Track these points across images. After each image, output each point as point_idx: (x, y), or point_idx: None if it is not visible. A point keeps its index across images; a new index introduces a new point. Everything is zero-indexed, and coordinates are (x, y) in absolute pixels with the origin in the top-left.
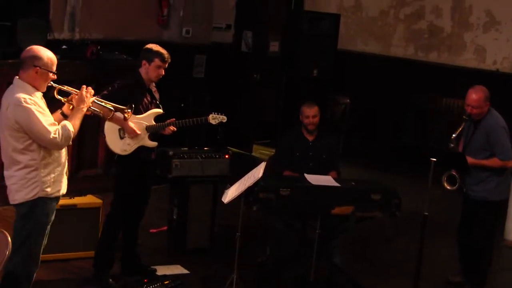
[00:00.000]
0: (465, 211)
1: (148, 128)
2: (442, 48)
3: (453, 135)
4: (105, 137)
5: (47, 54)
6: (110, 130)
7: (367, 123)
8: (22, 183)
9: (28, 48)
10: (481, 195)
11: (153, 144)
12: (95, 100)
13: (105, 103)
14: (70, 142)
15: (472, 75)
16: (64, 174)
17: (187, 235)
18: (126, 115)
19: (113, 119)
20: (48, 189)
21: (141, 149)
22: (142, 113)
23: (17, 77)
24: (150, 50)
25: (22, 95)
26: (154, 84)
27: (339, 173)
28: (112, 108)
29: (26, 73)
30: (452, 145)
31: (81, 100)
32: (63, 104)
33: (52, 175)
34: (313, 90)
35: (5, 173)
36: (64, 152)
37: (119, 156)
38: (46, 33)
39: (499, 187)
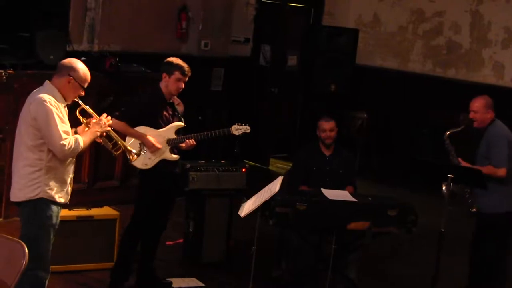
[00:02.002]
0: (477, 226)
1: (169, 142)
2: (460, 64)
3: (446, 133)
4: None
5: (83, 69)
6: (131, 145)
7: (384, 139)
8: (24, 182)
9: (70, 58)
10: (487, 206)
11: (175, 157)
12: (110, 132)
13: (118, 139)
14: (74, 158)
15: (490, 92)
16: (69, 184)
17: (203, 248)
18: (130, 157)
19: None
20: (51, 192)
21: (163, 162)
22: (162, 127)
23: (48, 81)
24: (171, 63)
25: (47, 96)
26: (176, 97)
27: (355, 188)
28: (121, 146)
29: (59, 79)
30: (447, 142)
31: (99, 124)
32: (80, 123)
33: (56, 180)
34: (331, 105)
35: (13, 168)
36: (72, 162)
37: (141, 170)
38: (65, 44)
39: (505, 198)
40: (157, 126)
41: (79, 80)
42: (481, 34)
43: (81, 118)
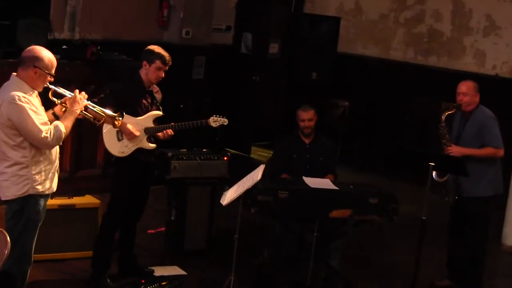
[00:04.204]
0: (456, 211)
1: (146, 130)
2: (442, 52)
3: (442, 117)
4: (103, 138)
5: (48, 56)
6: (108, 131)
7: (366, 127)
8: (13, 180)
9: (30, 47)
10: (473, 190)
11: (152, 146)
12: (88, 105)
13: (97, 109)
14: (61, 143)
15: (471, 80)
16: (55, 172)
17: (185, 237)
18: (116, 123)
19: (103, 124)
20: (39, 187)
21: (140, 151)
22: (140, 115)
23: (15, 74)
24: (152, 51)
25: (16, 93)
26: (155, 85)
27: (336, 176)
28: (103, 114)
29: (25, 72)
30: (442, 125)
31: (75, 101)
32: (55, 104)
33: (43, 173)
34: (312, 93)
35: None
36: (55, 150)
37: (117, 158)
38: (46, 33)
39: (491, 182)
40: (135, 114)
41: (45, 69)
42: (462, 22)
43: (55, 100)
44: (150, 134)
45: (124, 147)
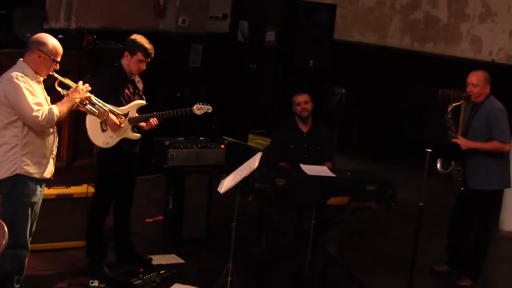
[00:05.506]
0: (462, 201)
1: (130, 120)
2: (438, 39)
3: (449, 108)
4: (86, 129)
5: (53, 42)
6: (91, 122)
7: (363, 114)
8: (2, 160)
9: (40, 34)
10: (482, 184)
11: (136, 136)
12: (93, 98)
13: (103, 104)
14: (55, 127)
15: (467, 66)
16: (50, 159)
17: (182, 225)
18: (119, 121)
19: (107, 119)
20: (28, 168)
21: (125, 141)
22: (124, 105)
23: (21, 59)
24: (134, 42)
25: (16, 72)
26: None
27: (333, 164)
28: (106, 111)
29: (30, 56)
30: (448, 116)
31: (76, 91)
32: (62, 96)
33: (33, 155)
34: (309, 81)
35: None
36: (52, 136)
37: (101, 148)
38: (43, 22)
39: (500, 176)
40: (118, 103)
41: (49, 53)
42: (458, 8)
43: (60, 90)
44: (134, 123)
45: (109, 137)
